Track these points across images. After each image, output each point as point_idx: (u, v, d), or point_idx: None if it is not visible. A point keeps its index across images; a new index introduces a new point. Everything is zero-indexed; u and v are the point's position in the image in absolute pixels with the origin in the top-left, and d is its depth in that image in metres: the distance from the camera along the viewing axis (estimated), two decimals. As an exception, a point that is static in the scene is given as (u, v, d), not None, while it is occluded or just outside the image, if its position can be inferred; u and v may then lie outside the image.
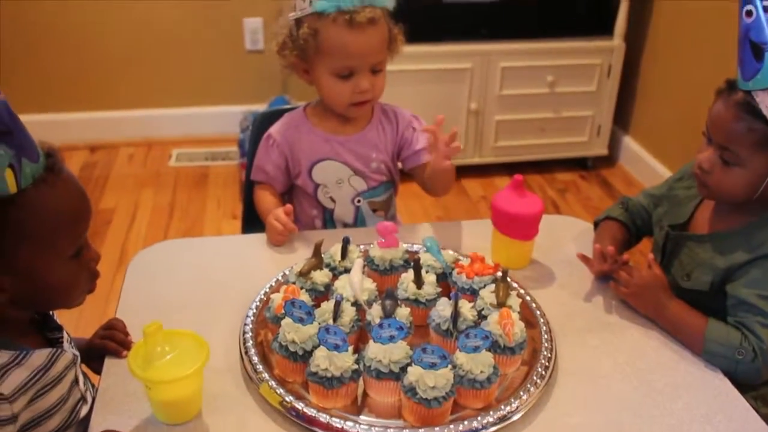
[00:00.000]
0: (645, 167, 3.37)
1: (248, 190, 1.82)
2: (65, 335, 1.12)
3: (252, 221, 1.86)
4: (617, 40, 3.24)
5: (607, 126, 3.41)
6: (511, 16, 3.21)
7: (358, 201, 1.66)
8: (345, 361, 1.07)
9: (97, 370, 1.22)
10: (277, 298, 1.21)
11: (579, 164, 3.53)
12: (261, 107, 3.41)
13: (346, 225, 1.69)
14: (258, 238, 1.56)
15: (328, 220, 1.69)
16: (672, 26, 3.15)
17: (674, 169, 3.17)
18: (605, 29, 3.25)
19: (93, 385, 1.19)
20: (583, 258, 1.42)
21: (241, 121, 3.37)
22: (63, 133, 3.52)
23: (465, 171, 3.37)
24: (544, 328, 1.26)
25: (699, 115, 2.93)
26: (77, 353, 1.13)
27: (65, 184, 1.00)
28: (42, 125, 3.46)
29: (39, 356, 1.03)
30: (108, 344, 1.21)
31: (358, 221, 1.69)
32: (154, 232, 2.92)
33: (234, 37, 3.54)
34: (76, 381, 1.11)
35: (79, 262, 1.05)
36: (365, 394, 1.13)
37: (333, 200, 1.66)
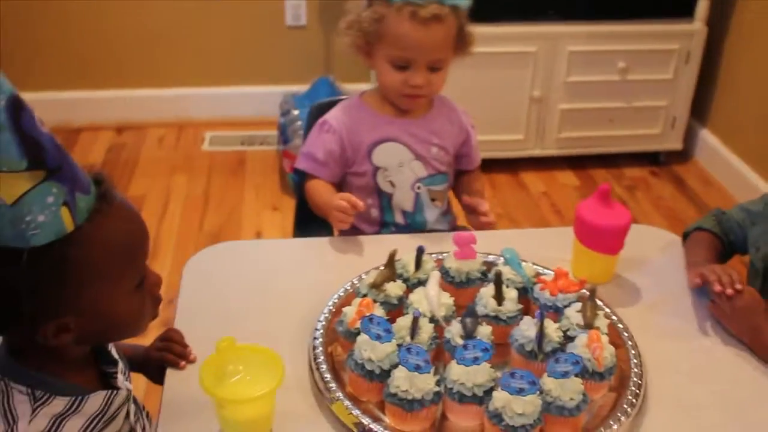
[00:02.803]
0: (723, 164, 3.36)
1: (300, 187, 1.85)
2: (120, 367, 1.15)
3: (304, 221, 1.90)
4: (698, 24, 3.22)
5: (683, 118, 3.40)
6: (582, -5, 3.22)
7: (418, 187, 1.75)
8: (427, 382, 1.11)
9: (157, 381, 1.28)
10: (351, 312, 1.25)
11: (650, 159, 3.53)
12: (303, 88, 3.45)
13: (404, 212, 1.76)
14: (319, 242, 1.61)
15: (386, 207, 1.76)
16: (760, 8, 3.13)
17: (756, 167, 3.19)
18: (685, 11, 3.23)
19: (147, 414, 1.23)
20: (701, 275, 1.39)
21: (281, 104, 3.36)
22: (89, 112, 3.60)
23: (525, 164, 3.40)
24: (633, 351, 1.29)
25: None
26: (131, 387, 1.16)
27: (120, 211, 1.01)
28: (67, 103, 3.55)
29: (95, 401, 1.05)
30: (166, 356, 1.27)
31: (417, 209, 1.77)
32: (188, 223, 2.98)
33: (274, 12, 3.58)
34: (127, 415, 1.14)
35: (143, 291, 1.06)
36: (443, 417, 1.17)
37: (393, 185, 1.74)
